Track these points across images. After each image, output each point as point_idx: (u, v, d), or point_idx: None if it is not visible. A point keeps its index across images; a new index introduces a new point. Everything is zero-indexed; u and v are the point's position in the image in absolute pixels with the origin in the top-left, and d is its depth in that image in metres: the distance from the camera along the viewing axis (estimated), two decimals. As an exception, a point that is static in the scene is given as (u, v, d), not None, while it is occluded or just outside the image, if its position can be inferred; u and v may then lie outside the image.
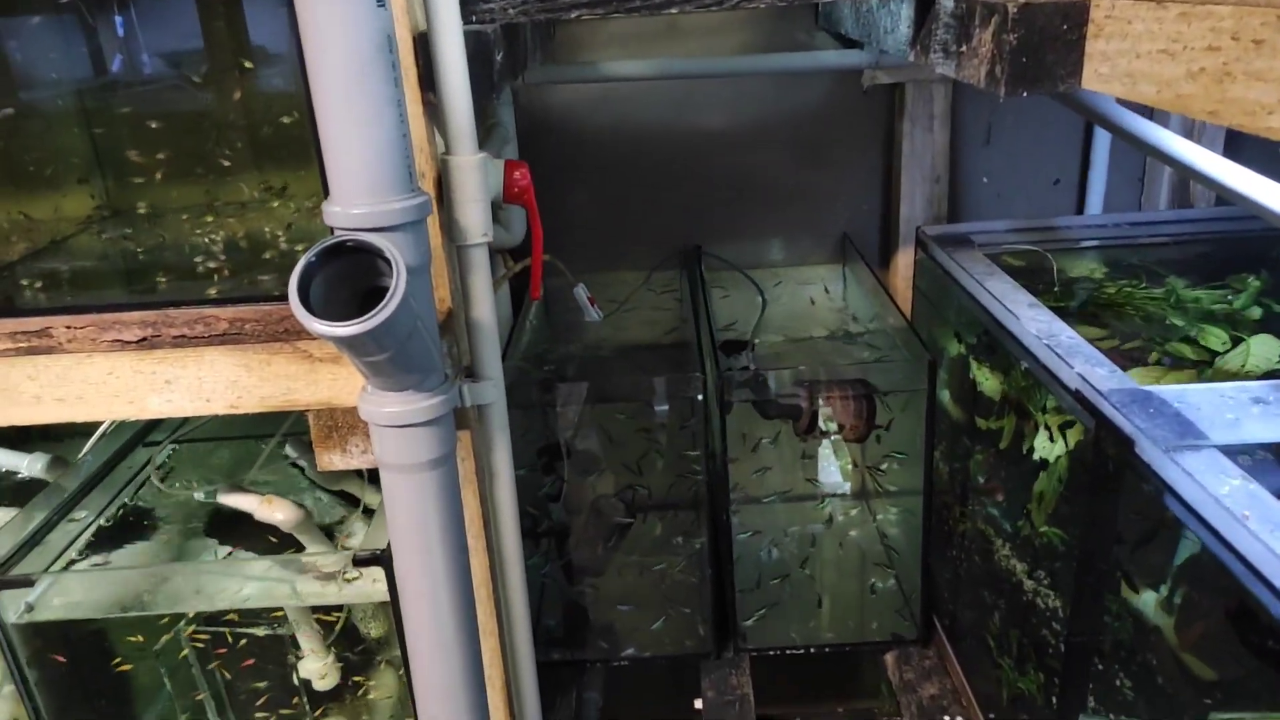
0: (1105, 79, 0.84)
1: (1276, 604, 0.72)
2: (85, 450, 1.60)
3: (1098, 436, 0.98)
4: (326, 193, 0.99)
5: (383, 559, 1.19)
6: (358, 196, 0.88)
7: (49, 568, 1.24)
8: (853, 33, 1.61)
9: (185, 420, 1.58)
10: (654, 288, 1.91)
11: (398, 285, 0.85)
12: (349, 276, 0.92)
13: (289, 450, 1.59)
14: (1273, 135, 0.63)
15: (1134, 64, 0.79)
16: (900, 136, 1.81)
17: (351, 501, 1.55)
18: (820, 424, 1.42)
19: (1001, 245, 1.50)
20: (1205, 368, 1.16)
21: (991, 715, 1.36)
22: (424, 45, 0.99)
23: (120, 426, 1.58)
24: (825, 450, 1.77)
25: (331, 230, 0.92)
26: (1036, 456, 1.15)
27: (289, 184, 1.22)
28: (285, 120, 1.16)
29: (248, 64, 1.14)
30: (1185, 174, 1.06)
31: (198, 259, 1.19)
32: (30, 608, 1.21)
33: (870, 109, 1.87)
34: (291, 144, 1.18)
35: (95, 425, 1.58)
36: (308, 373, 1.07)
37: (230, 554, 1.41)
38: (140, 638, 1.37)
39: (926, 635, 1.56)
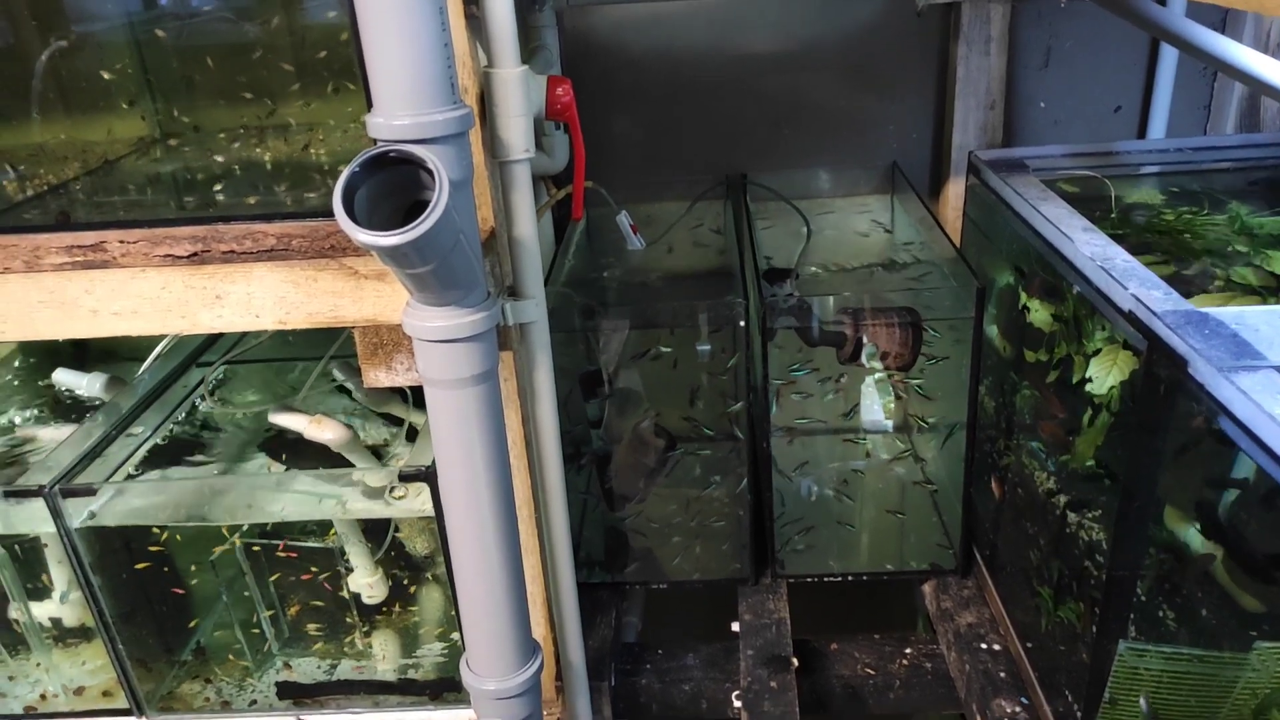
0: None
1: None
2: (142, 370, 1.64)
3: (1149, 359, 0.96)
4: (367, 100, 0.99)
5: (428, 475, 1.21)
6: (400, 107, 0.88)
7: (110, 478, 1.28)
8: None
9: (238, 341, 1.62)
10: (699, 218, 1.89)
11: (440, 196, 0.85)
12: (393, 190, 0.93)
13: (336, 373, 1.62)
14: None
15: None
16: (954, 60, 1.75)
17: (396, 423, 1.58)
18: (863, 357, 1.41)
19: (1058, 171, 1.45)
20: (1271, 295, 1.12)
21: (1029, 643, 1.36)
22: (466, -45, 0.97)
23: (175, 348, 1.62)
24: (868, 387, 1.75)
25: (374, 142, 0.92)
26: (1087, 388, 1.13)
27: (335, 108, 1.22)
28: (333, 44, 1.16)
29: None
30: (1255, 86, 1.01)
31: (245, 177, 1.20)
32: (93, 515, 1.26)
33: (923, 30, 1.81)
34: (338, 67, 1.18)
35: (151, 347, 1.63)
36: (354, 289, 1.08)
37: (280, 469, 1.45)
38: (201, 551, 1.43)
39: (966, 566, 1.56)
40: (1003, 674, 1.36)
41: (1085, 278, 1.11)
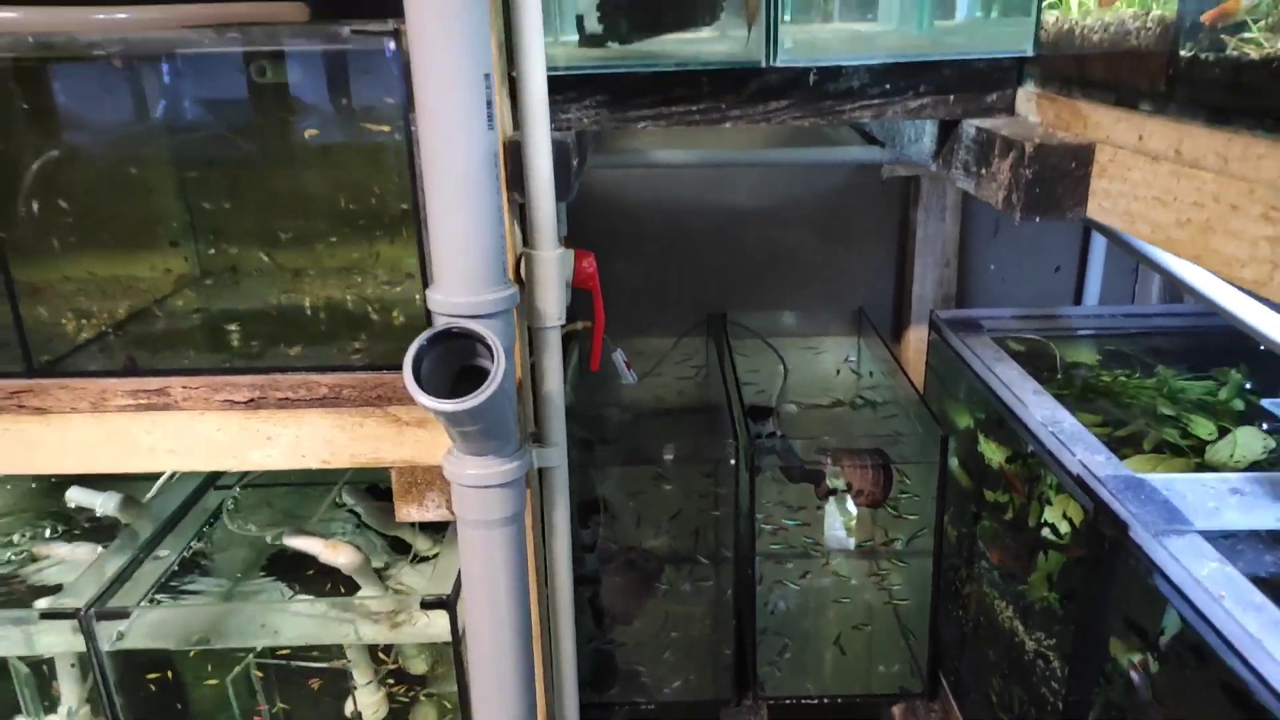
0: (1107, 213, 0.99)
1: (1249, 675, 0.84)
2: (153, 492, 1.72)
3: (1096, 518, 1.12)
4: (423, 277, 1.13)
5: (447, 603, 1.31)
6: (460, 288, 1.02)
7: (139, 602, 1.35)
8: (877, 134, 1.77)
9: (252, 466, 1.70)
10: (685, 353, 2.05)
11: (498, 369, 0.98)
12: (449, 356, 1.06)
13: (345, 497, 1.71)
14: (1244, 284, 0.77)
15: (1132, 205, 0.94)
16: (914, 224, 1.96)
17: (402, 546, 1.67)
18: (835, 489, 1.55)
19: (1007, 331, 1.64)
20: (1193, 454, 1.30)
21: (993, 767, 1.47)
22: (513, 151, 1.13)
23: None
24: (830, 509, 1.89)
25: (428, 314, 1.05)
26: (1045, 532, 1.28)
27: (374, 257, 1.36)
28: (372, 201, 1.30)
29: (342, 151, 1.28)
30: (1167, 278, 1.21)
31: (291, 323, 1.32)
32: (121, 636, 1.32)
33: (887, 196, 2.03)
34: (377, 222, 1.31)
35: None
36: (395, 434, 1.20)
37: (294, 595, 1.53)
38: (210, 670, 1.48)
39: (933, 690, 1.67)
40: (969, 796, 1.46)
41: (1038, 439, 1.28)
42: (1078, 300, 2.08)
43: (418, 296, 1.21)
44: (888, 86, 1.20)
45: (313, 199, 1.31)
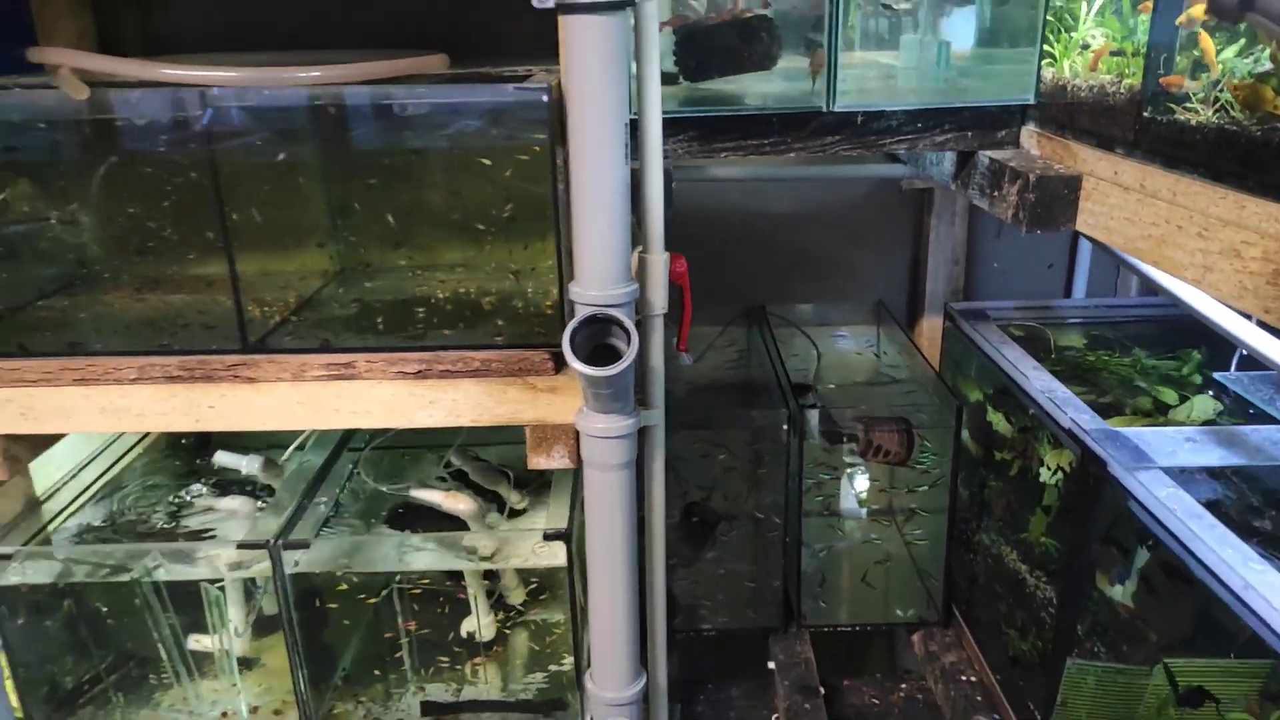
0: (1091, 228, 1.31)
1: (1191, 560, 1.17)
2: (286, 455, 2.03)
3: (1081, 460, 1.44)
4: (559, 274, 1.45)
5: (565, 535, 1.62)
6: (598, 283, 1.33)
7: (316, 536, 1.66)
8: (899, 154, 2.09)
9: (377, 431, 2.01)
10: (730, 339, 2.37)
11: (632, 346, 1.29)
12: (586, 336, 1.37)
13: (453, 458, 2.02)
14: (1187, 281, 1.09)
15: (1109, 222, 1.26)
16: (928, 228, 2.28)
17: (497, 499, 1.98)
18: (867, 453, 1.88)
19: (1010, 319, 1.97)
20: (1159, 415, 1.63)
21: (999, 675, 1.80)
22: (633, 177, 1.44)
23: (324, 435, 2.01)
24: (845, 483, 2.22)
25: (565, 304, 1.36)
26: (1041, 477, 1.60)
27: (508, 252, 1.64)
28: (510, 213, 1.58)
29: (484, 161, 1.58)
30: (1139, 276, 1.53)
31: (448, 310, 1.61)
32: (297, 564, 1.63)
33: (904, 203, 2.35)
34: (514, 229, 1.59)
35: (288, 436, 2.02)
36: (531, 399, 1.51)
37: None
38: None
39: (947, 619, 2.00)
40: (979, 698, 1.79)
41: (1038, 403, 1.60)
42: (1067, 293, 2.41)
43: (552, 290, 1.52)
44: (920, 125, 1.52)
45: (460, 211, 1.59)
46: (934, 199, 2.25)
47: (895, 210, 2.34)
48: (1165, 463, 1.34)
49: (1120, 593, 1.46)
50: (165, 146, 1.40)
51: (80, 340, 1.48)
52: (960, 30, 1.67)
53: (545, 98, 1.34)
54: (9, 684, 1.67)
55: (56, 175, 1.45)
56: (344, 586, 1.73)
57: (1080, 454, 1.44)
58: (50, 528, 1.73)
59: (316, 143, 1.46)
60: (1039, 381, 1.63)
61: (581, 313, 1.33)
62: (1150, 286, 1.52)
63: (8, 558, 1.59)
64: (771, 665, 1.91)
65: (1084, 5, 1.40)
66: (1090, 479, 1.41)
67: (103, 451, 2.01)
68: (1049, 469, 1.57)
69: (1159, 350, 1.84)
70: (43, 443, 1.65)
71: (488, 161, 1.47)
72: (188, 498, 1.98)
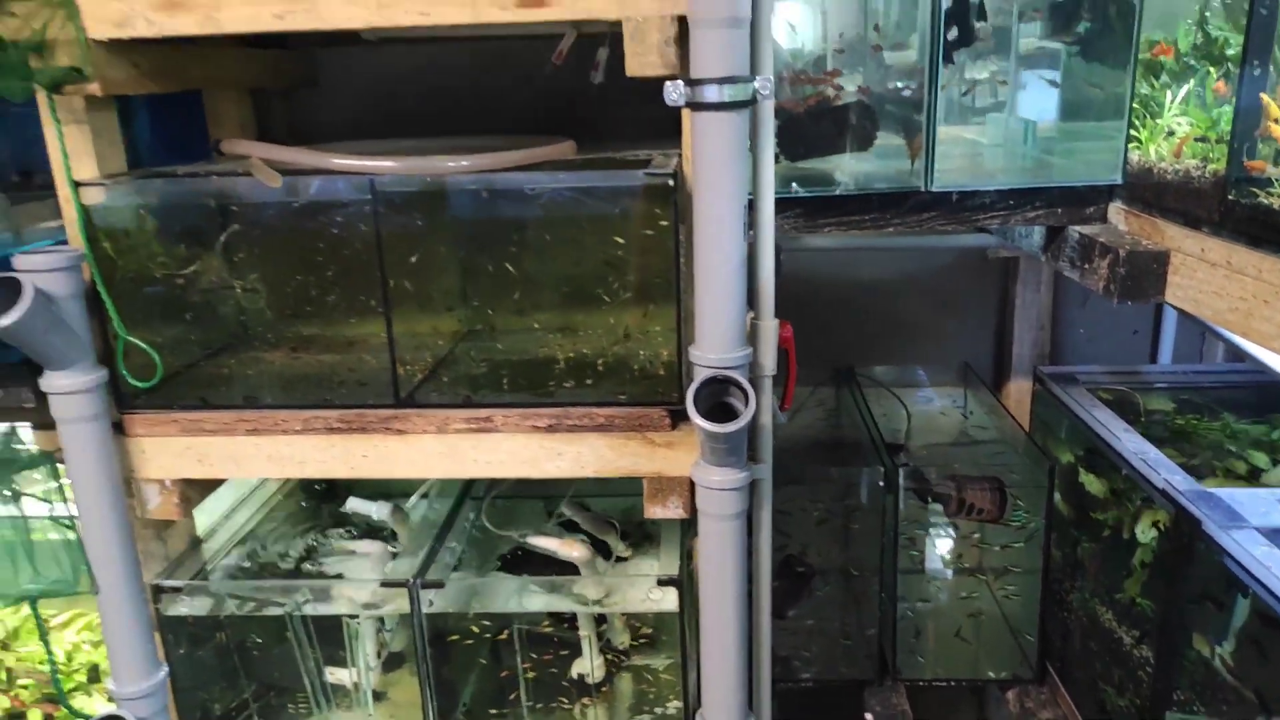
0: (1179, 300, 1.40)
1: (1288, 615, 1.23)
2: (411, 501, 2.19)
3: (1177, 520, 1.51)
4: (678, 337, 1.59)
5: (676, 581, 1.74)
6: (717, 347, 1.47)
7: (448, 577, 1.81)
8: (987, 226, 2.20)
9: (495, 482, 2.17)
10: (820, 399, 2.48)
11: (750, 406, 1.42)
12: (705, 395, 1.50)
13: (564, 509, 2.16)
14: (1274, 351, 1.18)
15: (1197, 295, 1.35)
16: (1014, 295, 2.38)
17: (604, 547, 2.10)
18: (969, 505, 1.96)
19: (1099, 383, 2.04)
20: (1251, 479, 1.68)
21: (1094, 733, 1.84)
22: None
23: (446, 484, 2.17)
24: (931, 542, 2.28)
25: (684, 365, 1.50)
26: (1137, 539, 1.67)
27: (634, 322, 1.78)
28: (630, 281, 1.72)
29: (611, 237, 1.74)
30: (1229, 345, 1.61)
31: (575, 369, 1.76)
32: (431, 603, 1.78)
33: (989, 270, 2.45)
34: (636, 296, 1.73)
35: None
36: (649, 453, 1.64)
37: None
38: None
39: (1041, 676, 2.04)
40: (1076, 755, 1.83)
41: (1130, 465, 1.67)
42: (1153, 358, 2.46)
43: (663, 351, 1.66)
44: (1011, 203, 1.63)
45: (586, 279, 1.75)
46: (1019, 267, 2.34)
47: (981, 277, 2.44)
48: (1259, 522, 1.40)
49: (1217, 650, 1.51)
50: (332, 224, 1.60)
51: (252, 394, 1.67)
52: (1046, 104, 1.79)
53: (671, 182, 1.50)
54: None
55: (238, 248, 1.65)
56: (471, 626, 1.86)
57: (1174, 514, 1.51)
58: (209, 565, 1.91)
59: (461, 219, 1.64)
60: (1131, 444, 1.70)
61: (702, 374, 1.47)
62: (1237, 353, 1.59)
63: (177, 590, 1.77)
64: (869, 717, 1.98)
65: (1168, 94, 1.51)
66: (1185, 538, 1.48)
67: (249, 496, 2.20)
68: (1143, 529, 1.63)
69: (1247, 415, 1.89)
70: (210, 487, 1.85)
71: (616, 238, 1.63)
72: (324, 540, 2.15)
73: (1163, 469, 1.58)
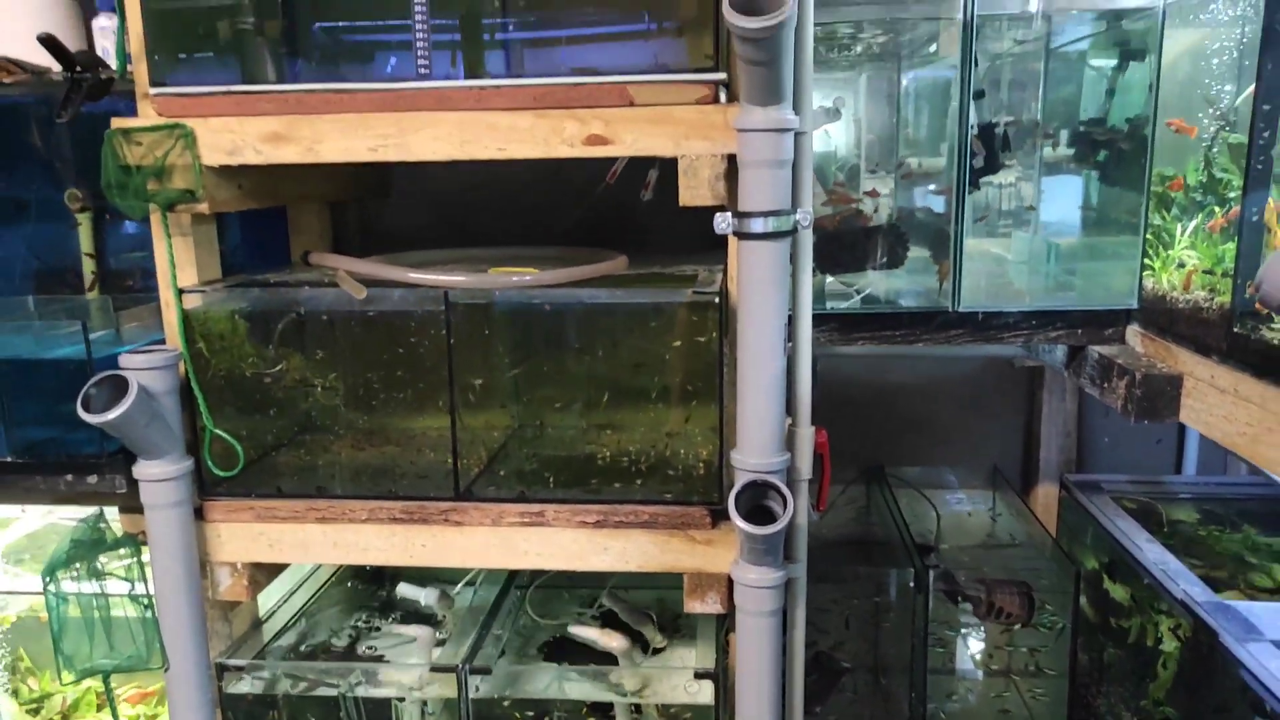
0: (1192, 421, 1.50)
1: (1303, 729, 1.29)
2: (458, 589, 2.29)
3: (1195, 631, 1.57)
4: (720, 442, 1.70)
5: (713, 674, 1.81)
6: (758, 452, 1.58)
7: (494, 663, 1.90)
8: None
9: (539, 571, 2.26)
10: (850, 497, 2.57)
11: (788, 509, 1.52)
12: (745, 499, 1.60)
13: (604, 600, 2.24)
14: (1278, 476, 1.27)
15: (1208, 418, 1.45)
16: (1041, 402, 2.47)
17: (640, 639, 2.18)
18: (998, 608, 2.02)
19: (1123, 492, 2.12)
20: (1271, 595, 1.74)
21: (1124, 842, 1.85)
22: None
23: (492, 573, 2.27)
24: (961, 645, 2.33)
25: (723, 467, 1.61)
26: (1160, 648, 1.73)
27: (671, 420, 1.90)
28: (675, 387, 1.84)
29: (658, 346, 1.88)
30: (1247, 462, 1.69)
31: (622, 468, 1.88)
32: (477, 688, 1.86)
33: (1017, 378, 2.55)
34: (678, 402, 1.85)
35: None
36: (690, 550, 1.74)
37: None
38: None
39: (1068, 783, 2.06)
40: None
41: (1151, 574, 1.74)
42: (1178, 467, 2.53)
43: (703, 451, 1.77)
44: (1034, 323, 1.75)
45: (633, 383, 1.87)
46: (1045, 376, 2.45)
47: (1009, 384, 2.55)
48: (1276, 635, 1.47)
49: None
50: (406, 329, 1.75)
51: (322, 484, 1.80)
52: (1068, 226, 1.93)
53: (717, 300, 1.64)
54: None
55: (319, 349, 1.80)
56: (514, 712, 1.94)
57: (1193, 624, 1.57)
58: (268, 645, 2.01)
59: (522, 326, 1.78)
60: (1152, 553, 1.78)
61: (743, 478, 1.58)
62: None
63: (240, 669, 1.87)
64: (898, 816, 2.01)
65: (1179, 227, 1.64)
66: (1204, 648, 1.54)
67: (306, 580, 2.31)
68: (1165, 637, 1.69)
69: (1270, 528, 1.96)
70: (277, 570, 1.97)
71: (663, 347, 1.77)
72: (375, 623, 2.25)
73: (1182, 579, 1.65)
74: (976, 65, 1.79)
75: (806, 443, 1.71)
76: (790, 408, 1.71)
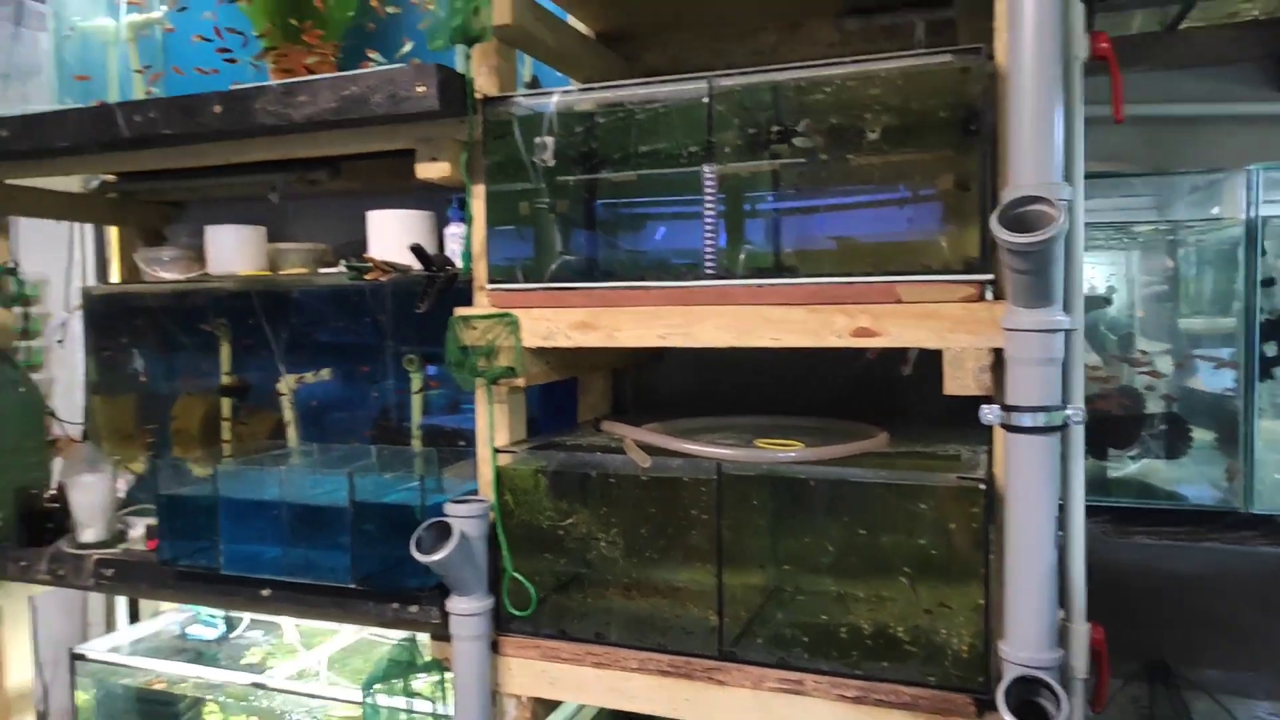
0: None
1: None
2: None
3: None
4: (986, 629, 1.69)
5: None
6: (1029, 646, 1.55)
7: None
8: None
9: None
10: (1127, 693, 2.38)
11: (1062, 710, 1.48)
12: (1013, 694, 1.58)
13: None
14: None
15: None
16: None
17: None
18: None
19: None
20: None
21: None
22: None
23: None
24: None
25: (998, 660, 1.59)
26: None
27: (936, 599, 1.90)
28: (936, 565, 1.86)
29: (924, 531, 1.91)
30: None
31: (881, 643, 1.91)
32: None
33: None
34: (942, 582, 1.87)
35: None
36: (952, 738, 1.72)
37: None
38: None
39: None
40: None
41: None
42: None
43: (964, 632, 1.75)
44: (1345, 527, 1.62)
45: (894, 558, 1.89)
46: None
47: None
48: None
49: None
50: (681, 492, 1.92)
51: (599, 630, 1.97)
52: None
53: (982, 486, 1.67)
54: None
55: (606, 506, 2.02)
56: None
57: None
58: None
59: (787, 496, 1.89)
60: None
61: (1012, 672, 1.56)
62: None
63: (511, 799, 2.04)
64: None
65: None
66: None
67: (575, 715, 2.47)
68: None
69: None
70: (553, 706, 2.15)
71: (927, 528, 1.80)
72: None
73: None
74: (1265, 255, 1.76)
75: (1081, 640, 1.67)
76: (1063, 600, 1.68)
